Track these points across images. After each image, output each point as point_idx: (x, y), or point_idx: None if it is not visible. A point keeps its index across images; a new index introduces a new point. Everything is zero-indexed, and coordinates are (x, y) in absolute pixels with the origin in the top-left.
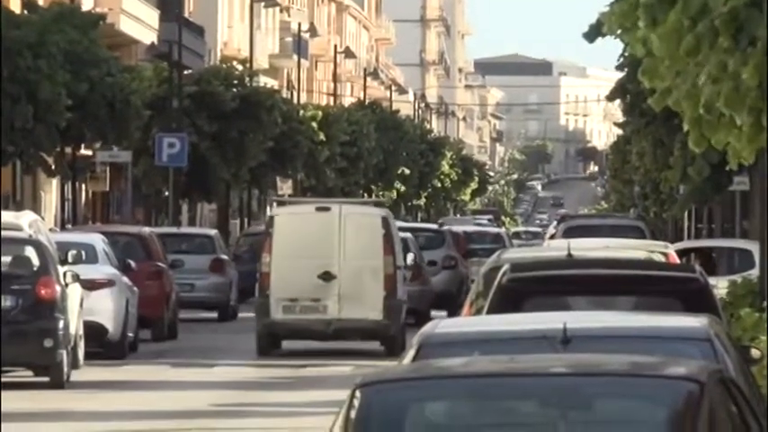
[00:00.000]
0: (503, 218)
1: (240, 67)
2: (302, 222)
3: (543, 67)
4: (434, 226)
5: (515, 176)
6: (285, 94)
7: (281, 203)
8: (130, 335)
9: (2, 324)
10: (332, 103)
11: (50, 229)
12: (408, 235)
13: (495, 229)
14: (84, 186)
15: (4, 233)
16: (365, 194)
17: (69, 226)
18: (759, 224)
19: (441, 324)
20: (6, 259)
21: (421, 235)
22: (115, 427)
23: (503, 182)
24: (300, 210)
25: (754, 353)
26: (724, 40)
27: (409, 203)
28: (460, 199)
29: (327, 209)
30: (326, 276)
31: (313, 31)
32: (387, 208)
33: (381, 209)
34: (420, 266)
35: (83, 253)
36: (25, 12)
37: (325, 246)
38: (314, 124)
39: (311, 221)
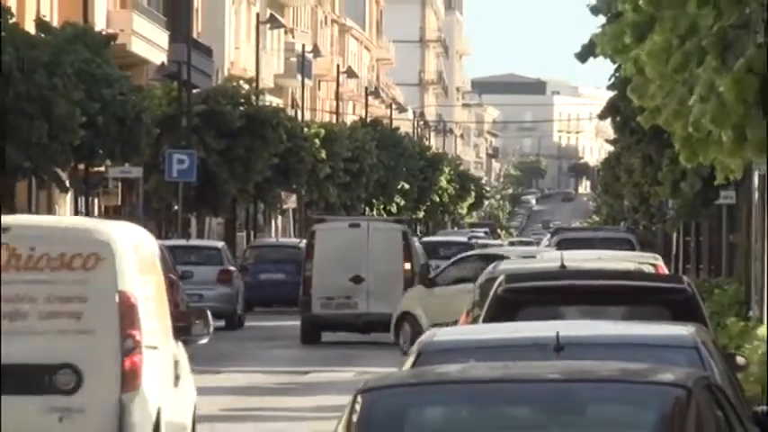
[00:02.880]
0: (498, 230)
1: (246, 87)
2: (338, 236)
3: (537, 87)
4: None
5: (510, 191)
6: (290, 112)
7: (319, 221)
8: None
9: None
10: (334, 120)
11: None
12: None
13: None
14: (96, 201)
15: None
16: (366, 208)
17: None
18: (745, 237)
19: (439, 332)
20: None
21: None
22: None
23: (498, 196)
24: (336, 226)
25: (740, 360)
26: (712, 60)
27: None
28: (458, 213)
29: (358, 225)
30: (357, 279)
31: (316, 51)
32: (406, 224)
33: (402, 225)
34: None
35: None
36: (40, 33)
37: (355, 254)
38: (317, 141)
39: (345, 235)
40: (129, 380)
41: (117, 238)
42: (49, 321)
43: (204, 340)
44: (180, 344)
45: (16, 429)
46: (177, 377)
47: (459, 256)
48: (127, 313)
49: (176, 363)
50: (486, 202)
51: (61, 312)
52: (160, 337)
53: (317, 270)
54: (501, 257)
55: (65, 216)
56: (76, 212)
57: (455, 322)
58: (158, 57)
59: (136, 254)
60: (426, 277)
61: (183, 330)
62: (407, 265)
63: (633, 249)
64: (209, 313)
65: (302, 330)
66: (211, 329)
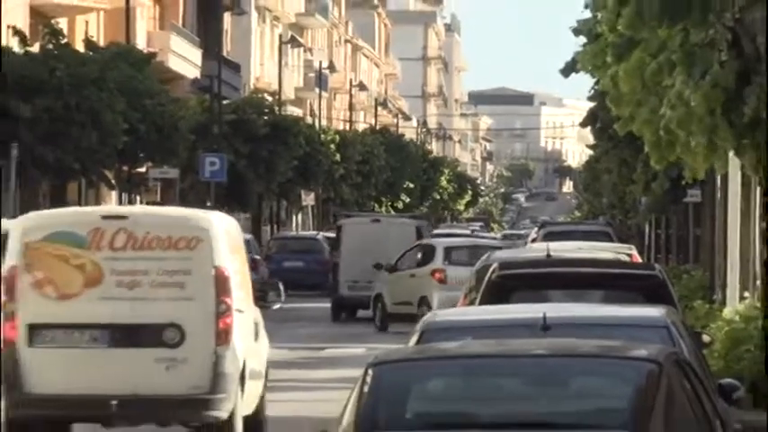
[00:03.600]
0: (492, 224)
1: (270, 98)
2: (361, 229)
3: (526, 98)
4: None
5: (502, 190)
6: (308, 120)
7: (346, 216)
8: None
9: None
10: (348, 128)
11: None
12: None
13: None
14: (138, 198)
15: None
16: (375, 205)
17: None
18: (709, 230)
19: (440, 314)
20: None
21: None
22: None
23: (492, 194)
24: (360, 220)
25: (705, 338)
26: (680, 73)
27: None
28: (456, 209)
29: (378, 220)
30: (378, 266)
31: (332, 67)
32: (422, 219)
33: (416, 221)
34: None
35: None
36: (88, 51)
37: (376, 245)
38: (332, 146)
39: (367, 229)
40: (221, 336)
41: (213, 224)
42: (159, 290)
43: (277, 306)
44: (257, 308)
45: (133, 376)
46: (256, 334)
47: (412, 246)
48: (221, 283)
49: (256, 323)
50: (481, 200)
51: (169, 283)
52: (244, 302)
53: (343, 258)
54: (432, 246)
55: (154, 208)
56: None
57: (420, 300)
58: (192, 72)
59: (227, 237)
60: (390, 265)
61: (260, 298)
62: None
63: (611, 241)
64: (281, 285)
65: (332, 309)
66: (283, 298)
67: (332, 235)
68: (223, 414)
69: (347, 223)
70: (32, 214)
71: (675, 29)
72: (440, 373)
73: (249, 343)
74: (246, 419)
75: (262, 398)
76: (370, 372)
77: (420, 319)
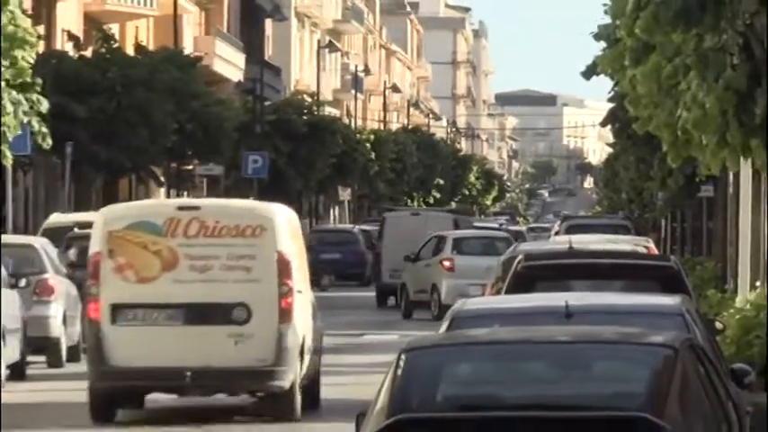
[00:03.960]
0: (517, 218)
1: (309, 100)
2: (403, 221)
3: (549, 100)
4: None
5: (527, 186)
6: (345, 120)
7: (390, 210)
8: None
9: None
10: (382, 127)
11: None
12: None
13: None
14: (186, 194)
15: None
16: (408, 200)
17: None
18: (721, 223)
19: (468, 302)
20: None
21: None
22: None
23: (517, 190)
24: (402, 214)
25: (718, 325)
26: (695, 76)
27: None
28: (484, 203)
29: (418, 214)
30: (407, 257)
31: (367, 71)
32: (463, 213)
33: (453, 214)
34: None
35: None
36: (138, 55)
37: (416, 236)
38: (368, 145)
39: (408, 221)
40: (284, 315)
41: (275, 214)
42: (228, 273)
43: (329, 289)
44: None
45: (205, 350)
46: (313, 313)
47: (429, 238)
48: (283, 267)
49: (312, 304)
50: (508, 195)
51: (236, 266)
52: (303, 284)
53: (385, 248)
54: (444, 238)
55: (223, 200)
56: None
57: (432, 288)
58: (236, 75)
59: (288, 225)
60: (413, 255)
61: (316, 282)
62: None
63: (629, 234)
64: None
65: (377, 296)
66: (334, 282)
67: (367, 228)
68: (285, 384)
69: (390, 216)
70: (114, 206)
71: (689, 34)
72: (468, 358)
73: (307, 321)
74: (304, 389)
75: (317, 371)
76: (402, 357)
77: (430, 306)
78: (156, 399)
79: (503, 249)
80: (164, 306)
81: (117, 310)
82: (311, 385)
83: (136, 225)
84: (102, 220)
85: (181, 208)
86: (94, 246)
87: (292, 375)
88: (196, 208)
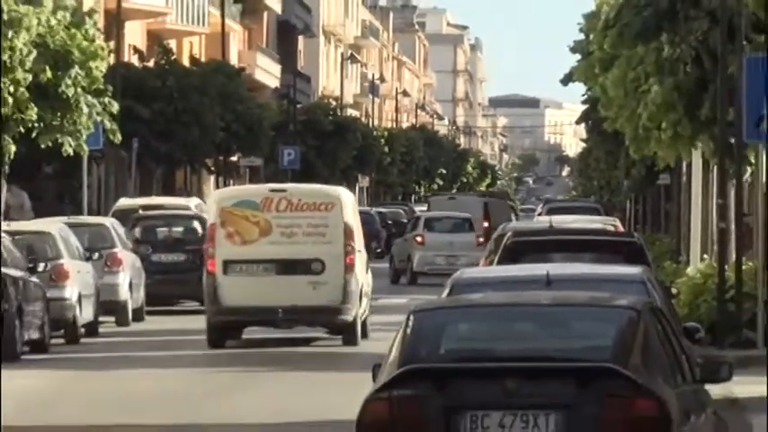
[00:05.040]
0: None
1: (334, 103)
2: (442, 204)
3: (533, 102)
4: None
5: (515, 175)
6: (364, 120)
7: (434, 194)
8: None
9: (174, 273)
10: (394, 126)
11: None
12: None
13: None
14: (231, 182)
15: (180, 211)
16: (416, 187)
17: None
18: (676, 206)
19: (466, 272)
20: (180, 228)
21: None
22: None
23: (507, 178)
24: (441, 198)
25: (673, 290)
26: (654, 83)
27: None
28: (479, 190)
29: (454, 198)
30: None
31: (382, 79)
32: (492, 196)
33: (484, 197)
34: None
35: None
36: (192, 66)
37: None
38: (382, 140)
39: (446, 203)
40: (348, 267)
41: (341, 194)
42: (308, 237)
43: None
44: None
45: (292, 293)
46: (367, 268)
47: (410, 218)
48: (347, 233)
49: (366, 261)
50: (499, 182)
51: (314, 233)
52: (361, 246)
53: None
54: (418, 217)
55: (303, 184)
56: (217, 189)
57: (407, 258)
58: (273, 82)
59: (350, 203)
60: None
61: (369, 246)
62: (486, 224)
63: (599, 215)
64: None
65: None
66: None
67: (382, 210)
68: (349, 318)
69: (433, 200)
70: (224, 189)
71: (650, 47)
72: (466, 318)
73: (364, 273)
74: (362, 323)
75: (367, 310)
76: (411, 317)
77: (405, 273)
78: (253, 330)
79: (465, 228)
80: (261, 261)
81: (227, 264)
82: (364, 320)
83: (240, 203)
84: (215, 200)
85: (272, 190)
86: (210, 218)
87: (354, 312)
88: (284, 190)
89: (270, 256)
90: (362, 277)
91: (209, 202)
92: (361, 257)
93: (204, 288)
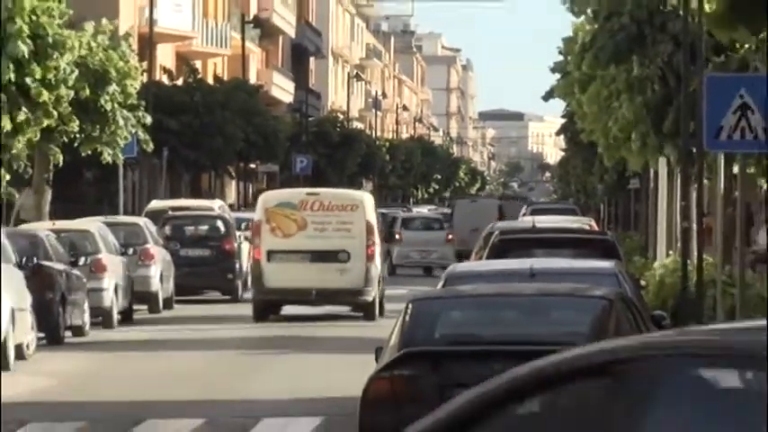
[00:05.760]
0: None
1: (341, 116)
2: (464, 206)
3: (518, 116)
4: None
5: (502, 180)
6: (368, 132)
7: (458, 198)
8: None
9: (200, 266)
10: (395, 137)
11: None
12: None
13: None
14: (251, 186)
15: (205, 212)
16: (414, 191)
17: (242, 208)
18: (644, 207)
19: (459, 266)
20: (205, 227)
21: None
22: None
23: (495, 183)
24: (464, 201)
25: (642, 282)
26: (624, 100)
27: (439, 196)
28: (470, 193)
29: (475, 200)
30: (474, 230)
31: (384, 95)
32: (507, 199)
33: (500, 200)
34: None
35: (250, 224)
36: (216, 84)
37: (473, 216)
38: (384, 149)
39: (468, 206)
40: (369, 257)
41: (364, 197)
42: (337, 232)
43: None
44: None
45: (323, 277)
46: (384, 258)
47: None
48: (369, 229)
49: (382, 252)
50: (488, 187)
51: (341, 228)
52: (379, 240)
53: (456, 224)
54: (396, 218)
55: (333, 189)
56: (238, 194)
57: (387, 251)
58: (288, 98)
59: (370, 204)
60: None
61: (386, 239)
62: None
63: (576, 215)
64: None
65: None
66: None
67: (384, 211)
68: (369, 298)
69: (457, 203)
70: (269, 192)
71: (621, 68)
72: (458, 306)
73: (381, 262)
74: (379, 302)
75: (383, 290)
76: (410, 306)
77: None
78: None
79: (437, 227)
80: (298, 252)
81: (270, 253)
82: (381, 300)
83: (281, 204)
84: (262, 201)
85: (308, 194)
86: (257, 216)
87: (373, 293)
88: (317, 194)
89: (305, 247)
90: (380, 266)
91: (258, 202)
92: (379, 249)
93: (251, 272)
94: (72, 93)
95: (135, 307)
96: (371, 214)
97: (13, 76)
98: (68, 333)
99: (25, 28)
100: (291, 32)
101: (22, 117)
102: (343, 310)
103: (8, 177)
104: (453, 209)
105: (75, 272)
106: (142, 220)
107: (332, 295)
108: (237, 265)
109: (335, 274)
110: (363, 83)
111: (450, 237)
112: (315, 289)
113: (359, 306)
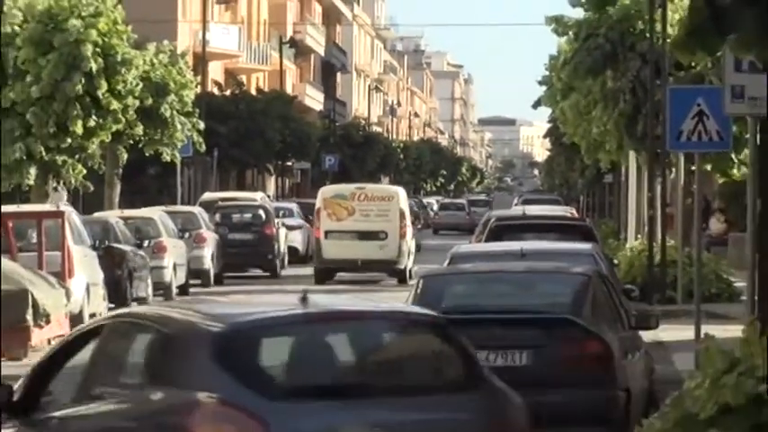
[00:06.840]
0: (491, 195)
1: (363, 122)
2: (501, 197)
3: (511, 122)
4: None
5: (497, 176)
6: (385, 135)
7: (495, 190)
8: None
9: (244, 248)
10: (408, 140)
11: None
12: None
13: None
14: (287, 181)
15: (249, 202)
16: (424, 184)
17: (280, 199)
18: (617, 198)
19: (461, 247)
20: (249, 215)
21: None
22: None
23: (491, 178)
24: (501, 193)
25: (615, 261)
26: (600, 108)
27: (445, 189)
28: (471, 187)
29: (511, 193)
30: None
31: (399, 104)
32: (496, 191)
33: (518, 194)
34: None
35: (287, 212)
36: (258, 95)
37: (506, 202)
38: (398, 150)
39: (503, 197)
40: (402, 235)
41: (398, 190)
42: (378, 217)
43: (419, 226)
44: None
45: (367, 251)
46: (414, 236)
47: None
48: (402, 215)
49: (413, 232)
50: (485, 181)
51: (381, 214)
52: (410, 222)
53: (494, 207)
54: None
55: (375, 184)
56: (276, 187)
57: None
58: (318, 107)
59: (404, 196)
60: None
61: (412, 223)
62: None
63: (560, 205)
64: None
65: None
66: (420, 227)
67: (426, 200)
68: (402, 267)
69: (495, 194)
70: (327, 186)
71: (597, 80)
72: (461, 282)
73: (411, 239)
74: (409, 271)
75: (413, 261)
76: (420, 281)
77: None
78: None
79: (462, 209)
80: (348, 231)
81: (327, 233)
82: (410, 269)
83: (336, 195)
84: (321, 193)
85: (357, 188)
86: (317, 204)
87: (405, 262)
88: (363, 188)
89: (354, 228)
90: (410, 243)
91: (318, 194)
92: (410, 230)
93: (314, 247)
94: (137, 102)
95: (190, 282)
96: (404, 204)
97: (82, 88)
98: (134, 304)
99: (91, 48)
100: (321, 51)
101: (92, 123)
102: (382, 275)
103: (84, 172)
104: (492, 199)
105: (140, 252)
106: (196, 209)
107: (373, 264)
108: (276, 247)
109: (376, 248)
110: (381, 94)
111: (468, 215)
112: (360, 260)
113: (394, 273)
